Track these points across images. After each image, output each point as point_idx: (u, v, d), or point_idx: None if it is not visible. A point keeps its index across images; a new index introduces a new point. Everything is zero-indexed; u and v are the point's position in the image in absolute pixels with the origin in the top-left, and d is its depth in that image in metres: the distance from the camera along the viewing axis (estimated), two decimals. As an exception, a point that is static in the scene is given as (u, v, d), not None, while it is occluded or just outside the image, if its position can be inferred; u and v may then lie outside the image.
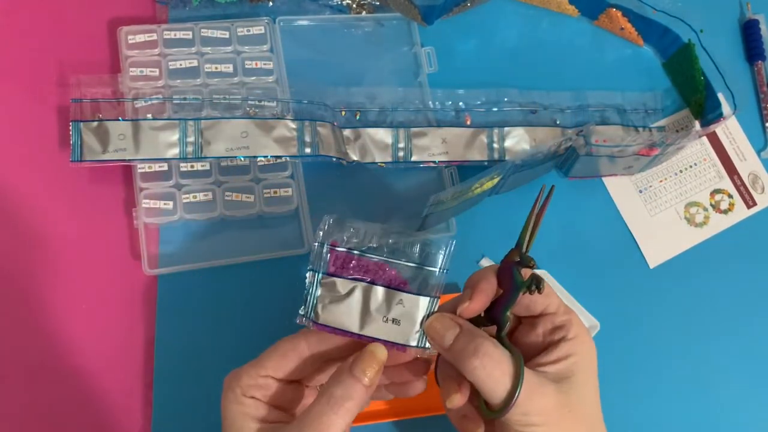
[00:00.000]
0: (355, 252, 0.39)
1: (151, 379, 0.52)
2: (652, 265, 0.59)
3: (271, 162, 0.55)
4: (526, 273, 0.38)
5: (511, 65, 0.63)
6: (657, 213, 0.61)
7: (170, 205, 0.53)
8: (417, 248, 0.39)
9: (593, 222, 0.60)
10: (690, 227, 0.61)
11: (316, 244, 0.40)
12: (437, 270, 0.39)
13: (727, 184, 0.62)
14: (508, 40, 0.64)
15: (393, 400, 0.52)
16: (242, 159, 0.53)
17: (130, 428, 0.51)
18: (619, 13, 0.64)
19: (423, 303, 0.38)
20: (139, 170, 0.53)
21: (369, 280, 0.39)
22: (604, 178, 0.61)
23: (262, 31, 0.59)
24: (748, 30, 0.66)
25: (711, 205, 0.62)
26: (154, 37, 0.57)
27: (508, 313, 0.37)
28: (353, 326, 0.38)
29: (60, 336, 0.52)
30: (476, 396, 0.38)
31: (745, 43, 0.67)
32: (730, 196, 0.62)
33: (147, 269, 0.52)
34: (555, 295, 0.40)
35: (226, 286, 0.54)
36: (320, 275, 0.39)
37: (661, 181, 0.62)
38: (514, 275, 0.37)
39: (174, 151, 0.52)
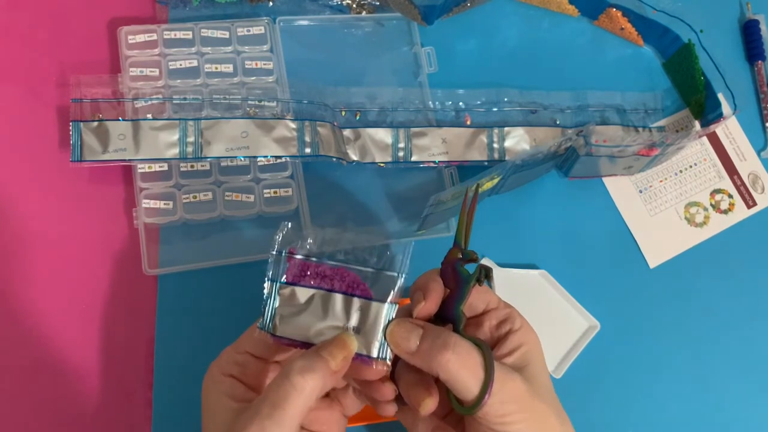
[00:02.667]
0: (314, 259, 0.38)
1: (151, 379, 0.52)
2: (652, 265, 0.59)
3: (271, 162, 0.55)
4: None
5: (511, 65, 0.63)
6: (657, 213, 0.61)
7: (170, 205, 0.53)
8: (375, 253, 0.38)
9: (593, 222, 0.60)
10: (690, 227, 0.61)
11: (273, 252, 0.38)
12: (396, 274, 0.37)
13: (727, 184, 0.62)
14: (508, 40, 0.64)
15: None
16: (242, 159, 0.53)
17: (130, 428, 0.51)
18: (619, 13, 0.64)
19: (383, 310, 0.37)
20: (139, 170, 0.53)
21: (328, 287, 0.37)
22: (604, 178, 0.61)
23: (262, 31, 0.59)
24: (748, 30, 0.66)
25: (711, 205, 0.62)
26: (154, 37, 0.57)
27: (462, 308, 0.37)
28: (312, 337, 0.37)
29: (60, 336, 0.52)
30: (445, 401, 0.37)
31: (745, 43, 0.67)
32: (730, 196, 0.62)
33: (147, 269, 0.52)
34: (492, 293, 0.41)
35: (226, 286, 0.54)
36: (278, 284, 0.38)
37: (661, 181, 0.62)
38: (459, 271, 0.38)
39: (174, 151, 0.52)
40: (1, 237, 0.53)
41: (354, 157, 0.56)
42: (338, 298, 0.37)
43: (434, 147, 0.57)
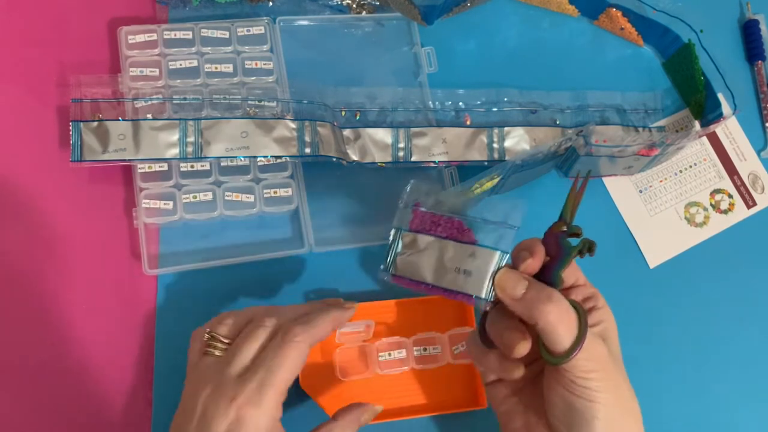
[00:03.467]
0: (435, 212, 0.43)
1: (151, 378, 0.52)
2: (652, 265, 0.59)
3: (271, 162, 0.55)
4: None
5: (511, 65, 0.63)
6: (657, 213, 0.61)
7: (170, 205, 0.53)
8: (490, 208, 0.43)
9: (593, 222, 0.60)
10: (690, 227, 0.61)
11: (401, 204, 0.44)
12: (509, 228, 0.42)
13: (727, 184, 0.62)
14: (508, 40, 0.64)
15: (392, 400, 0.52)
16: (242, 159, 0.53)
17: (130, 428, 0.51)
18: (619, 13, 0.64)
19: (494, 257, 0.41)
20: (139, 170, 0.53)
21: (445, 236, 0.42)
22: (604, 178, 0.61)
23: (262, 31, 0.59)
24: (748, 30, 0.66)
25: (711, 205, 0.62)
26: (154, 37, 0.57)
27: (561, 273, 0.40)
28: (428, 277, 0.42)
29: (60, 336, 0.52)
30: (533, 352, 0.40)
31: (745, 43, 0.67)
32: (730, 196, 0.62)
33: (147, 269, 0.52)
34: (581, 272, 0.44)
35: (226, 286, 0.54)
36: (402, 232, 0.43)
37: (661, 181, 0.62)
38: (561, 242, 0.41)
39: (174, 151, 0.52)
40: (1, 237, 0.53)
41: (354, 157, 0.56)
42: (454, 245, 0.42)
43: (434, 147, 0.57)
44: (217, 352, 0.42)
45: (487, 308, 0.42)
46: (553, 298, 0.38)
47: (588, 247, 0.40)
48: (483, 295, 0.41)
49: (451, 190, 0.51)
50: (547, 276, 0.41)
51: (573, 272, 0.44)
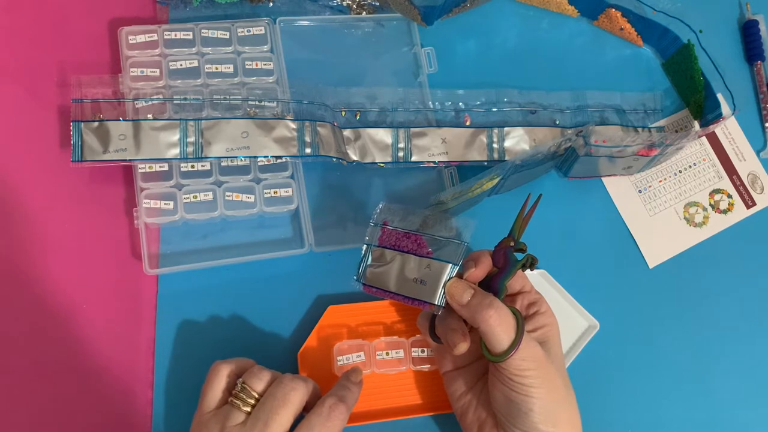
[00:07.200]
0: (400, 229, 0.48)
1: (151, 379, 0.52)
2: (651, 265, 0.60)
3: (272, 162, 0.55)
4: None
5: (510, 65, 0.63)
6: (656, 213, 0.61)
7: (171, 205, 0.53)
8: (446, 226, 0.47)
9: (593, 222, 0.60)
10: (689, 227, 0.61)
11: (372, 224, 0.49)
12: (460, 243, 0.46)
13: (727, 185, 0.63)
14: (508, 40, 0.64)
15: (389, 399, 0.53)
16: (242, 159, 0.53)
17: (130, 428, 0.51)
18: (619, 14, 0.64)
19: (446, 269, 0.45)
20: (140, 170, 0.53)
21: (407, 250, 0.47)
22: (603, 178, 0.61)
23: (263, 32, 0.59)
24: (748, 30, 0.66)
25: (710, 205, 0.62)
26: (155, 37, 0.57)
27: (506, 282, 0.45)
28: (392, 287, 0.46)
29: (60, 336, 0.52)
30: (477, 350, 0.46)
31: (745, 43, 0.67)
32: (730, 196, 0.62)
33: (148, 269, 0.52)
34: (528, 280, 0.49)
35: (226, 286, 0.54)
36: (372, 247, 0.48)
37: (660, 181, 0.62)
38: (509, 255, 0.46)
39: (174, 152, 0.52)
40: (2, 237, 0.53)
41: (354, 157, 0.56)
42: (414, 259, 0.46)
43: (434, 147, 0.57)
44: (245, 407, 0.44)
45: (439, 313, 0.45)
46: (493, 305, 0.42)
47: (530, 262, 0.46)
48: (436, 302, 0.45)
49: (450, 189, 0.51)
50: (495, 283, 0.45)
51: (520, 280, 0.48)
